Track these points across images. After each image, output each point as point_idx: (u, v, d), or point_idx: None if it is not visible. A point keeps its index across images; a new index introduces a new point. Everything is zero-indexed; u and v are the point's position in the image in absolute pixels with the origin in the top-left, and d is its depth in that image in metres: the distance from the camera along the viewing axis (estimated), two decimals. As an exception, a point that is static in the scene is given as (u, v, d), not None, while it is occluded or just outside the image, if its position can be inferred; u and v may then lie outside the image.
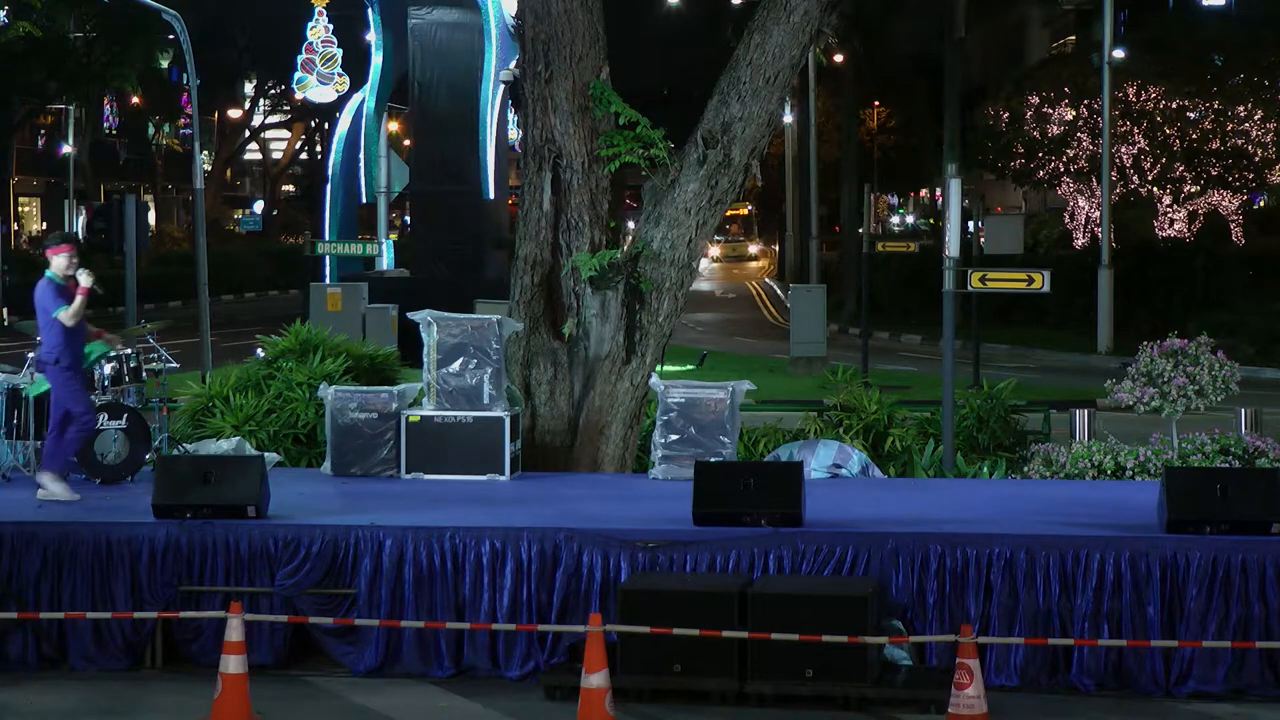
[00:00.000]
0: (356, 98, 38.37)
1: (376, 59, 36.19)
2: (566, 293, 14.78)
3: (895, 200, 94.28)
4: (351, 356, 16.54)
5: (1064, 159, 50.12)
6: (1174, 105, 49.00)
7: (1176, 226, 50.02)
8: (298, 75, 43.58)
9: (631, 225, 17.46)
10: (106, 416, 13.54)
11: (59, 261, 13.10)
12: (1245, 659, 10.66)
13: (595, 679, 9.73)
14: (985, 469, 15.42)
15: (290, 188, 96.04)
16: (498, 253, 33.63)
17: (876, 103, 70.49)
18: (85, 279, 13.00)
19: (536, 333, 14.82)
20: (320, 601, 11.28)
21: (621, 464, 14.94)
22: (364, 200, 37.94)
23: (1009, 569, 10.99)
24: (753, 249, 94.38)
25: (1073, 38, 61.38)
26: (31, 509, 12.22)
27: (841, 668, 10.39)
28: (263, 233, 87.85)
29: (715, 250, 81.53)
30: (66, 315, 12.84)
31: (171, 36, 35.97)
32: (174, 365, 15.78)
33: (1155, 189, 50.20)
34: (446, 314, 14.61)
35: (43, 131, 71.66)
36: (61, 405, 13.00)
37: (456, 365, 14.21)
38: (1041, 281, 16.58)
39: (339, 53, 41.70)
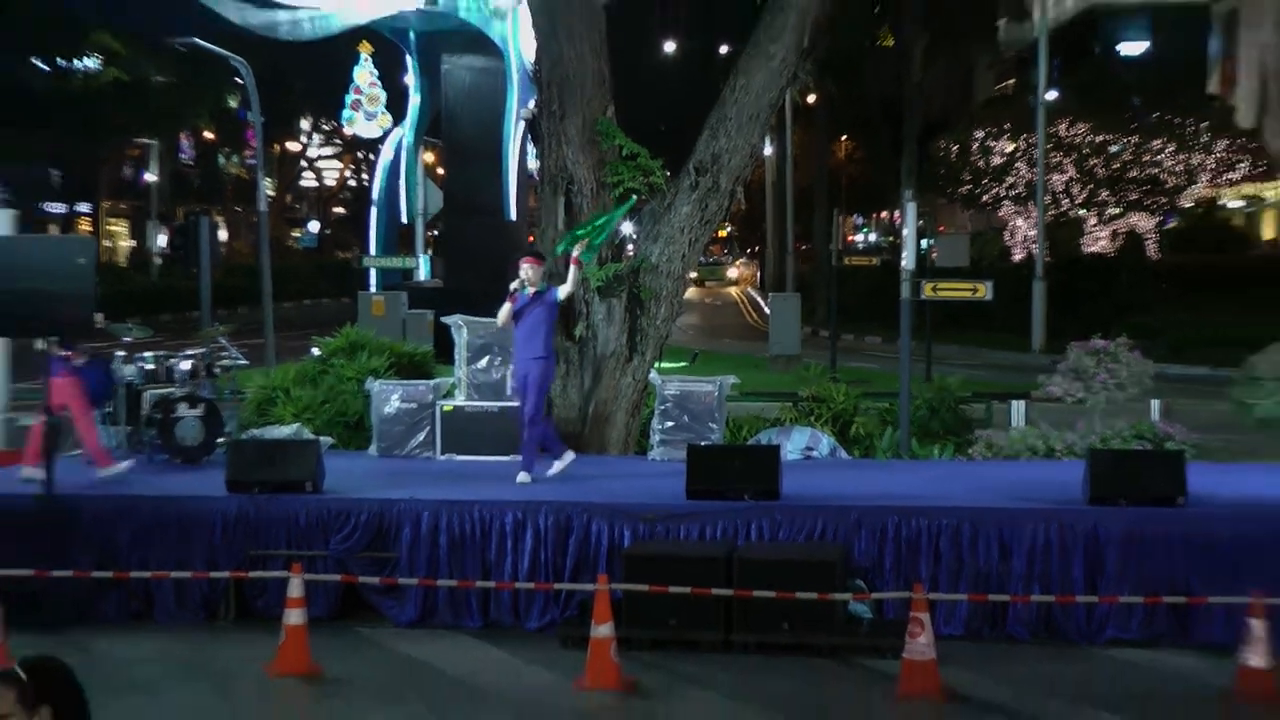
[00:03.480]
0: (397, 132, 38.39)
1: (414, 99, 36.20)
2: (577, 300, 14.81)
3: (860, 220, 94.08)
4: (393, 354, 16.59)
5: (1004, 185, 50.30)
6: (1099, 139, 49.19)
7: (1101, 243, 50.15)
8: (346, 113, 43.52)
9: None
10: (186, 406, 13.59)
11: (520, 270, 12.93)
12: (1155, 612, 10.74)
13: (603, 630, 9.81)
14: (936, 451, 15.46)
15: (340, 210, 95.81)
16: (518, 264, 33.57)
17: (844, 137, 70.32)
18: (514, 284, 12.83)
19: (552, 334, 14.92)
20: (368, 564, 11.35)
21: (625, 447, 14.99)
22: (404, 220, 37.93)
23: (955, 536, 11.06)
24: (731, 273, 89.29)
25: (1013, 81, 61.37)
26: (117, 486, 12.28)
27: (813, 620, 10.46)
28: (317, 248, 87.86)
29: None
30: (499, 317, 12.93)
31: (239, 80, 36.03)
32: (243, 362, 15.87)
33: (1082, 211, 50.38)
34: (475, 318, 14.69)
35: (129, 162, 71.60)
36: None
37: (483, 362, 14.30)
38: (985, 291, 16.60)
39: (382, 94, 41.63)
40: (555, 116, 14.98)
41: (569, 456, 12.81)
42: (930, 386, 17.39)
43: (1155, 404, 15.65)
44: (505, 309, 12.84)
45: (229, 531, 11.47)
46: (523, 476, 12.54)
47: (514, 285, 12.79)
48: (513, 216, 33.93)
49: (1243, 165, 49.98)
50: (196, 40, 26.40)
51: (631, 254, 15.53)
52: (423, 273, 36.24)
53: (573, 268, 13.16)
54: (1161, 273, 44.43)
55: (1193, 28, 66.70)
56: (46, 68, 55.38)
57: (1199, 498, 11.32)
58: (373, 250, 37.40)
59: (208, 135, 73.33)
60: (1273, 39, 59.48)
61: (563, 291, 13.03)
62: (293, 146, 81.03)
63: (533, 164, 34.11)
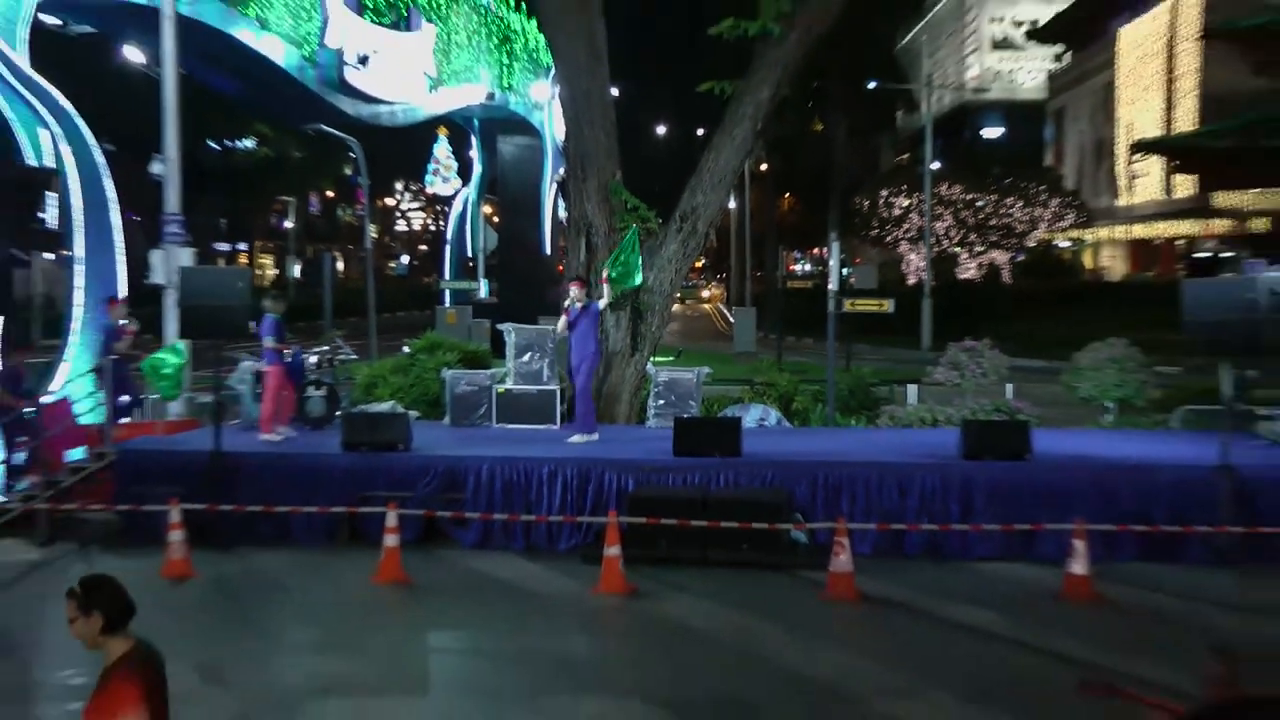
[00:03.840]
0: (464, 191, 38.35)
1: (477, 167, 36.17)
2: (595, 312, 14.83)
3: (798, 255, 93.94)
4: (462, 352, 16.56)
5: (901, 230, 50.35)
6: (968, 197, 49.30)
7: (970, 272, 50.26)
8: (428, 177, 43.49)
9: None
10: (313, 388, 13.56)
11: (570, 291, 12.79)
12: (1009, 536, 10.75)
13: (613, 550, 9.82)
14: (853, 421, 15.45)
15: (424, 247, 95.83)
16: (552, 287, 33.69)
17: (787, 194, 70.28)
18: (566, 302, 12.71)
19: (576, 337, 14.91)
20: (443, 502, 11.35)
21: (629, 419, 14.97)
22: (469, 254, 37.92)
23: (867, 483, 11.07)
24: (705, 293, 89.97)
25: (907, 155, 61.39)
26: (269, 446, 12.28)
27: (764, 543, 10.47)
28: (407, 275, 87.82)
29: None
30: (558, 327, 12.76)
31: (352, 154, 36.03)
32: (354, 356, 15.90)
33: (957, 249, 50.42)
34: (521, 325, 14.67)
35: (274, 214, 71.64)
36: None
37: (527, 357, 14.26)
38: (888, 306, 16.61)
39: (454, 163, 41.57)
40: (579, 179, 14.98)
41: (593, 436, 12.70)
42: (849, 375, 17.33)
43: (1009, 387, 15.61)
44: (562, 321, 12.78)
45: (344, 479, 11.48)
46: (577, 438, 12.51)
47: (566, 303, 12.74)
48: (547, 252, 33.97)
49: (1069, 216, 50.31)
50: (322, 127, 26.41)
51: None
52: (483, 292, 36.16)
53: (605, 286, 13.23)
54: (1013, 293, 44.54)
55: (1033, 119, 67.17)
56: (217, 147, 55.75)
57: (1040, 454, 11.35)
58: (447, 276, 37.42)
59: (329, 194, 73.50)
60: (1088, 128, 60.16)
61: (602, 303, 13.11)
62: (389, 201, 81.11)
63: (562, 214, 34.23)
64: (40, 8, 13.68)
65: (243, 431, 13.09)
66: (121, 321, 13.42)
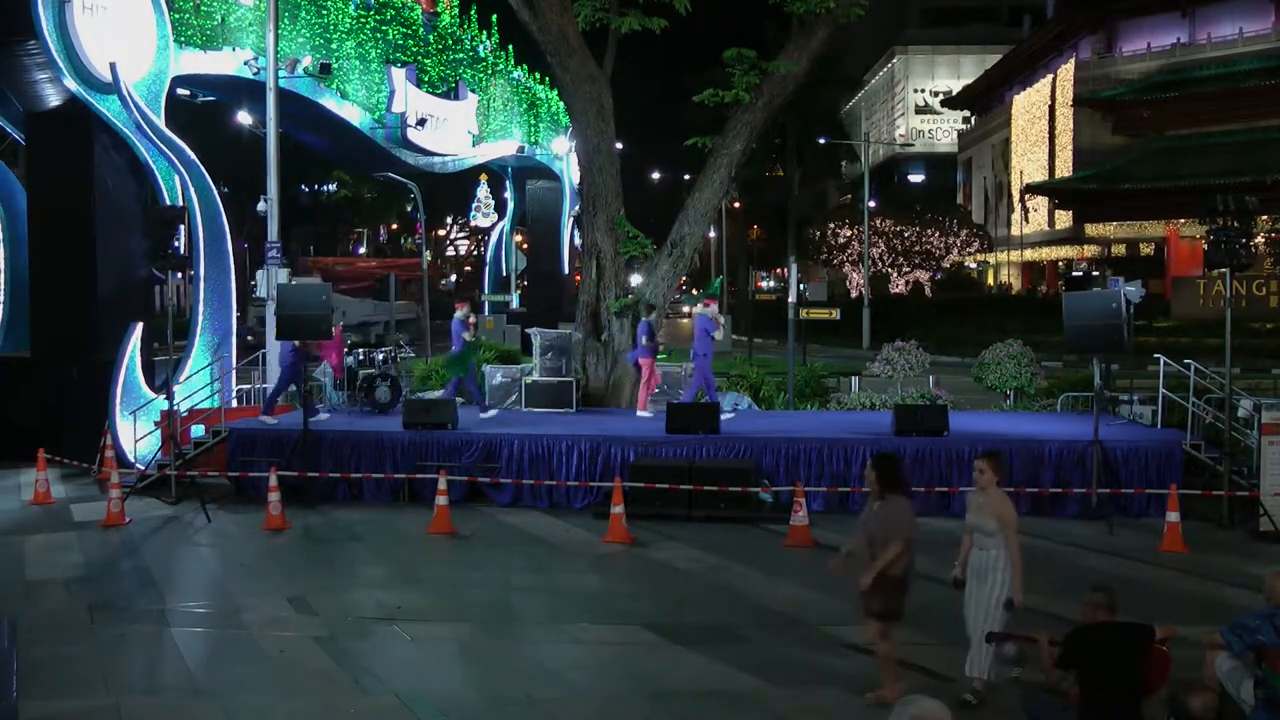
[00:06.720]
0: (500, 223, 38.16)
1: (510, 204, 36.01)
2: (604, 319, 14.74)
3: (764, 274, 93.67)
4: (498, 351, 16.53)
5: (846, 254, 50.27)
6: (897, 229, 49.28)
7: (900, 287, 50.20)
8: (472, 212, 43.43)
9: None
10: (380, 380, 13.49)
11: (707, 307, 12.82)
12: (930, 495, 10.70)
13: (618, 509, 9.79)
14: (809, 405, 15.38)
15: (469, 267, 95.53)
16: (569, 300, 33.57)
17: (755, 226, 70.09)
18: (705, 316, 12.62)
19: (589, 339, 14.81)
20: (483, 470, 11.31)
21: (630, 404, 14.92)
22: (504, 274, 37.79)
23: (819, 453, 11.02)
24: (685, 307, 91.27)
25: (850, 195, 61.25)
26: (348, 423, 12.20)
27: (738, 503, 10.46)
28: (455, 291, 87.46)
29: None
30: (717, 335, 12.74)
31: (412, 195, 35.98)
32: (413, 355, 15.83)
33: (889, 269, 50.39)
34: (545, 330, 14.61)
35: (351, 242, 71.57)
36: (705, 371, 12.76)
37: (549, 355, 14.19)
38: (836, 314, 16.62)
39: (493, 201, 41.43)
40: (590, 214, 14.90)
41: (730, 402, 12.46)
42: (805, 369, 17.25)
43: (930, 378, 15.56)
44: (719, 333, 12.80)
45: (405, 451, 11.43)
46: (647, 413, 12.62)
47: (706, 315, 12.70)
48: (566, 272, 33.83)
49: (976, 243, 50.41)
50: (389, 174, 26.43)
51: (633, 293, 15.43)
52: (514, 303, 36.03)
53: (713, 305, 13.31)
54: (933, 304, 44.47)
55: (947, 167, 67.28)
56: (308, 189, 55.93)
57: (955, 431, 11.32)
58: (487, 291, 37.24)
59: (394, 226, 73.26)
60: (990, 174, 60.07)
61: (703, 309, 13.03)
62: (441, 232, 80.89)
63: (577, 241, 34.15)
64: (175, 83, 13.91)
65: (325, 413, 13.01)
66: (472, 319, 13.18)
